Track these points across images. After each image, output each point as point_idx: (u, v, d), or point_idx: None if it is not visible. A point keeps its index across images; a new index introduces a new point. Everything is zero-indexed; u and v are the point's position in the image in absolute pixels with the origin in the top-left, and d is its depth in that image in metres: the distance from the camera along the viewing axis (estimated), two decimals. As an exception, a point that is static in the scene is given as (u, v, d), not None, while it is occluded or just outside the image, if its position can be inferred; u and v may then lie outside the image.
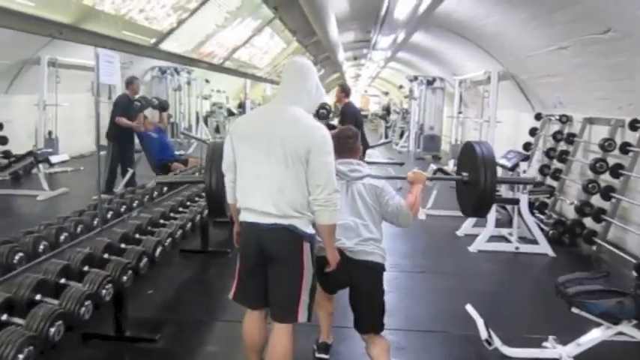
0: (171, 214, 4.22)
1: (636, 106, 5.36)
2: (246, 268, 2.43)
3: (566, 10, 5.32)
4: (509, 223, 5.80)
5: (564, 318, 2.93)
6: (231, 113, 13.30)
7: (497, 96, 8.72)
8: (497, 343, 2.99)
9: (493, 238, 5.50)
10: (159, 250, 3.38)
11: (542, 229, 5.61)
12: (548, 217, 6.40)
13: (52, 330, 2.21)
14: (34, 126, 8.30)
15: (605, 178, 5.59)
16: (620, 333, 2.78)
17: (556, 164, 6.98)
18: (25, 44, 7.39)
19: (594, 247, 5.46)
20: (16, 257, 2.83)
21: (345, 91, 6.70)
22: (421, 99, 14.10)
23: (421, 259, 5.23)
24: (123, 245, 3.27)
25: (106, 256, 3.04)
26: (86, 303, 2.45)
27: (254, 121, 2.46)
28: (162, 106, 7.57)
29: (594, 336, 2.85)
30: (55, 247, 3.18)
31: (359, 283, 2.61)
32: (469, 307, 3.23)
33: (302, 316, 2.34)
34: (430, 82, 14.00)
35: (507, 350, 3.00)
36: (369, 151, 7.06)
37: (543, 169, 7.15)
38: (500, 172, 5.79)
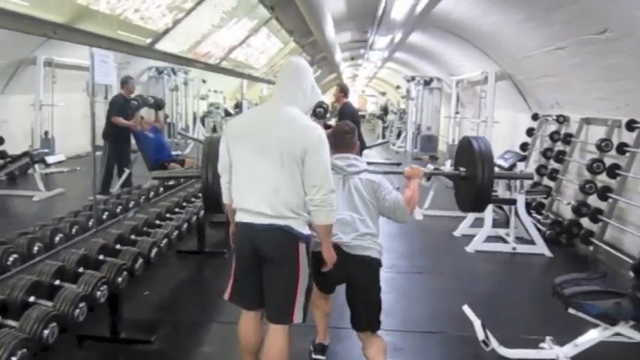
0: (167, 215, 4.20)
1: (633, 106, 5.36)
2: (241, 268, 2.42)
3: (563, 10, 5.31)
4: (506, 224, 5.80)
5: (561, 319, 2.93)
6: (228, 113, 13.27)
7: (495, 96, 8.73)
8: (494, 344, 2.98)
9: (490, 239, 5.50)
10: (154, 251, 3.37)
11: (539, 230, 5.61)
12: (545, 218, 6.40)
13: (46, 332, 2.19)
14: (30, 126, 8.27)
15: (602, 179, 5.60)
16: (618, 334, 2.78)
17: (553, 164, 6.98)
18: (21, 44, 7.36)
19: (591, 248, 5.47)
20: (11, 258, 2.81)
21: (343, 91, 6.70)
22: (418, 99, 14.10)
23: (418, 259, 5.22)
24: (118, 246, 3.25)
25: (101, 257, 3.02)
26: (80, 305, 2.43)
27: (249, 122, 2.45)
28: (158, 105, 7.54)
29: (591, 337, 2.85)
30: (50, 248, 3.16)
31: (355, 278, 2.60)
32: (466, 308, 3.22)
33: (297, 316, 2.33)
34: (427, 83, 14.00)
35: (504, 351, 2.99)
36: (366, 152, 7.03)
37: (540, 170, 7.14)
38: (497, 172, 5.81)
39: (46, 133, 8.51)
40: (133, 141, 6.69)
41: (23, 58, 7.90)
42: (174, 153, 7.72)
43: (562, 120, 7.00)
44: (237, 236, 2.43)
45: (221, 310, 3.65)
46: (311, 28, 6.81)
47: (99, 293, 2.63)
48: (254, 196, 2.29)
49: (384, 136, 17.91)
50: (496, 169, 5.58)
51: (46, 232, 3.25)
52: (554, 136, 7.04)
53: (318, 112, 6.89)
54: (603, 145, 5.59)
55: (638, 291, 2.75)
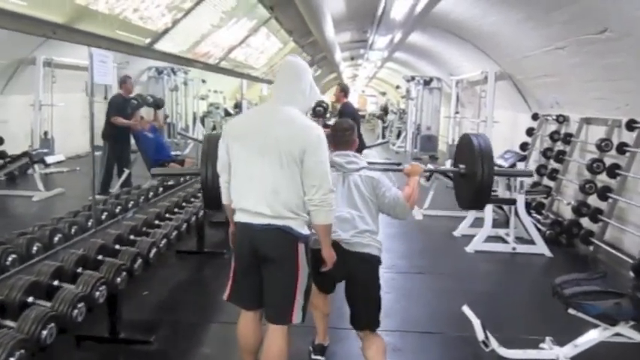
0: (167, 215, 4.20)
1: (633, 106, 5.35)
2: (240, 268, 2.42)
3: (563, 10, 5.31)
4: (506, 224, 5.79)
5: (561, 319, 2.92)
6: (227, 113, 13.25)
7: (494, 96, 8.72)
8: (494, 344, 2.98)
9: (490, 239, 5.50)
10: (153, 251, 3.36)
11: (539, 230, 5.60)
12: (545, 218, 6.39)
13: (44, 333, 2.19)
14: (30, 126, 8.25)
15: (602, 179, 5.59)
16: (618, 334, 2.77)
17: (553, 164, 6.98)
18: (21, 44, 7.34)
19: (591, 248, 5.46)
20: (9, 259, 2.81)
21: (344, 90, 6.70)
22: (418, 99, 14.09)
23: (418, 259, 5.22)
24: (117, 246, 3.25)
25: (100, 257, 3.02)
26: (79, 305, 2.42)
27: (248, 122, 2.44)
28: (157, 104, 7.50)
29: (591, 337, 2.84)
30: (49, 248, 3.15)
31: (355, 276, 2.60)
32: (466, 309, 3.22)
33: (296, 317, 2.33)
34: (427, 83, 13.99)
35: (504, 351, 2.99)
36: (366, 152, 7.04)
37: (540, 170, 7.14)
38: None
39: (46, 133, 8.49)
40: (132, 141, 6.67)
41: (23, 58, 7.87)
42: (173, 153, 7.71)
43: (562, 120, 6.99)
44: (237, 236, 2.42)
45: (220, 310, 3.65)
46: (310, 28, 6.80)
47: (97, 294, 2.63)
48: (253, 196, 2.28)
49: (383, 136, 17.91)
50: (496, 162, 5.62)
51: (45, 232, 3.25)
52: (554, 136, 7.04)
53: (318, 111, 6.89)
54: (603, 145, 5.58)
55: (638, 291, 2.74)
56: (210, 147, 2.73)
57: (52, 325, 2.24)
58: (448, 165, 6.66)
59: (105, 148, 6.34)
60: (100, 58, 3.68)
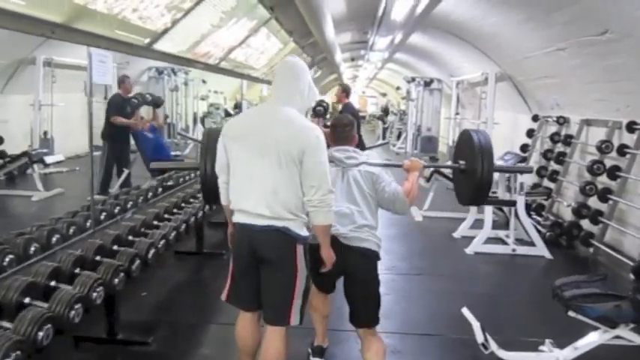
0: (166, 216, 4.19)
1: (634, 107, 5.34)
2: (238, 269, 2.41)
3: (563, 11, 5.30)
4: (505, 225, 5.78)
5: (561, 321, 2.91)
6: (228, 114, 13.26)
7: (495, 97, 8.70)
8: (493, 346, 2.96)
9: (490, 240, 5.49)
10: (152, 252, 3.35)
11: (539, 231, 5.59)
12: (545, 219, 6.38)
13: (41, 334, 2.17)
14: (30, 126, 8.24)
15: (603, 180, 5.57)
16: (618, 337, 2.75)
17: (553, 166, 6.96)
18: (21, 44, 7.34)
19: (591, 250, 5.45)
20: (7, 259, 2.80)
21: (345, 91, 6.70)
22: (418, 100, 14.07)
23: (418, 261, 5.20)
24: (115, 247, 3.23)
25: (97, 258, 3.00)
26: (76, 306, 2.41)
27: (247, 122, 2.43)
28: (156, 103, 7.46)
29: (591, 340, 2.82)
30: (47, 248, 3.14)
31: (353, 271, 2.59)
32: (465, 311, 3.20)
33: (294, 318, 2.32)
34: (427, 84, 13.97)
35: (503, 354, 2.97)
36: (366, 153, 7.03)
37: (540, 171, 7.13)
38: (497, 173, 5.79)
39: (45, 133, 8.48)
40: (132, 141, 6.66)
41: (23, 58, 7.87)
42: (173, 153, 7.72)
43: (562, 121, 6.98)
44: (235, 237, 2.41)
45: (219, 311, 3.64)
46: (311, 29, 6.80)
47: (95, 294, 2.61)
48: (252, 197, 2.27)
49: (384, 137, 17.90)
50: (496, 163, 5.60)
51: (43, 232, 3.24)
52: (554, 138, 7.02)
53: (318, 111, 6.87)
54: (604, 147, 5.56)
55: (639, 293, 2.73)
56: (209, 141, 2.71)
57: (49, 326, 2.22)
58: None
59: (104, 148, 6.34)
60: (99, 58, 3.66)
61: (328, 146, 2.42)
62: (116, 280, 2.86)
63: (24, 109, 8.17)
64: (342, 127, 2.83)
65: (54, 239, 3.26)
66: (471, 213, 5.95)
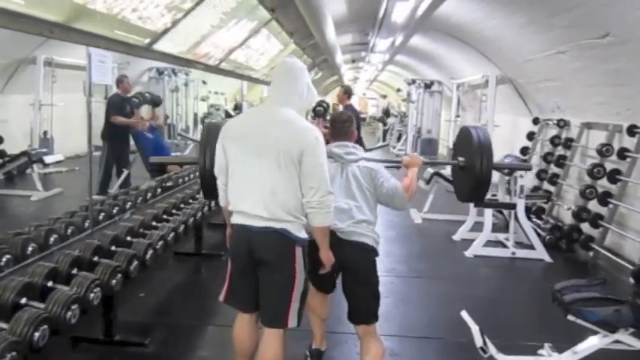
0: (165, 217, 4.17)
1: (634, 111, 5.33)
2: (236, 270, 2.40)
3: (564, 14, 5.29)
4: (505, 228, 5.76)
5: (560, 325, 2.90)
6: (228, 115, 13.26)
7: (495, 100, 8.69)
8: (492, 350, 2.94)
9: (489, 243, 5.47)
10: (150, 253, 3.33)
11: (538, 235, 5.58)
12: (545, 223, 6.37)
13: (37, 335, 2.16)
14: (30, 126, 8.24)
15: (603, 184, 5.56)
16: (617, 341, 2.74)
17: (553, 169, 6.95)
18: (21, 44, 7.34)
19: (591, 253, 5.43)
20: (3, 259, 2.79)
21: (347, 92, 6.71)
22: (419, 102, 14.07)
23: (417, 263, 5.19)
24: (113, 248, 3.21)
25: (95, 259, 2.99)
26: (73, 307, 2.39)
27: (245, 123, 2.42)
28: (155, 101, 7.44)
29: (591, 344, 2.81)
30: (44, 249, 3.13)
31: (351, 266, 2.58)
32: (464, 314, 3.18)
33: (292, 321, 2.30)
34: (428, 86, 13.96)
35: (502, 358, 2.95)
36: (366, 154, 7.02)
37: (540, 174, 7.12)
38: (497, 176, 5.78)
39: (45, 132, 8.48)
40: (132, 142, 6.65)
41: (23, 58, 7.87)
42: (173, 154, 7.70)
43: (563, 124, 6.97)
44: (233, 238, 2.40)
45: (217, 313, 3.62)
46: (312, 30, 6.79)
47: (92, 295, 2.60)
48: (250, 198, 2.26)
49: (384, 139, 17.88)
50: (495, 172, 5.58)
51: (40, 232, 3.23)
52: (554, 141, 7.01)
53: (318, 111, 6.85)
54: (604, 150, 5.56)
55: (638, 298, 2.71)
56: (209, 136, 2.70)
57: (45, 327, 2.21)
58: (448, 169, 6.65)
59: (104, 148, 6.33)
60: (99, 58, 3.65)
61: (328, 142, 2.41)
62: (113, 281, 2.84)
63: (24, 108, 8.17)
64: (342, 122, 2.84)
65: (52, 239, 3.25)
66: (470, 216, 5.94)
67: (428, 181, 6.66)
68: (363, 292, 2.60)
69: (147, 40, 3.85)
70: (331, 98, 16.43)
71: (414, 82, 14.26)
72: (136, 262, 3.12)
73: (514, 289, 4.66)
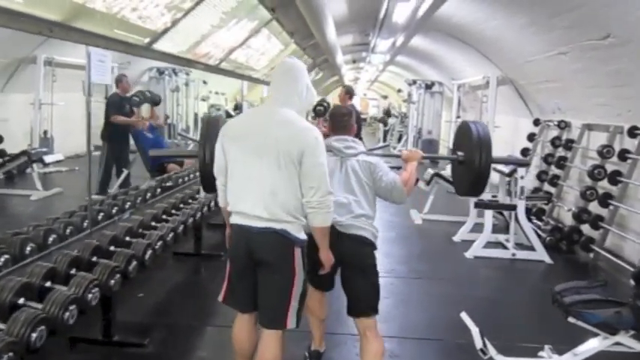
0: (164, 217, 4.16)
1: (635, 112, 5.32)
2: (235, 270, 2.39)
3: (566, 15, 5.28)
4: (505, 229, 5.75)
5: (561, 327, 2.88)
6: (229, 115, 13.25)
7: (496, 101, 8.69)
8: (492, 352, 2.93)
9: (490, 244, 5.45)
10: (149, 253, 3.32)
11: (539, 236, 5.57)
12: (546, 224, 6.35)
13: (34, 335, 2.15)
14: (30, 125, 8.23)
15: (603, 185, 5.55)
16: (618, 343, 2.73)
17: (554, 170, 6.94)
18: (22, 43, 7.34)
19: (591, 255, 5.42)
20: (2, 259, 2.78)
21: (349, 92, 6.70)
22: (420, 103, 14.07)
23: (417, 264, 5.17)
24: (112, 248, 3.21)
25: (94, 259, 2.98)
26: (71, 307, 2.38)
27: (245, 124, 2.41)
28: (154, 100, 7.41)
29: (591, 346, 2.80)
30: (43, 249, 3.12)
31: (350, 260, 2.58)
32: (464, 315, 3.17)
33: (291, 322, 2.29)
34: (429, 86, 13.97)
35: (502, 359, 2.94)
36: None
37: (541, 175, 7.11)
38: (497, 177, 5.78)
39: (45, 132, 8.47)
40: (132, 141, 6.64)
41: (23, 57, 7.87)
42: (173, 154, 7.67)
43: (563, 126, 6.96)
44: (232, 238, 2.39)
45: (216, 313, 3.62)
46: (312, 31, 6.78)
47: (90, 296, 2.59)
48: (250, 198, 2.25)
49: (385, 140, 17.87)
50: (497, 167, 5.56)
51: (39, 232, 3.22)
52: (555, 142, 7.00)
53: (319, 111, 6.84)
54: (605, 152, 5.55)
55: (639, 300, 2.70)
56: (209, 129, 2.70)
57: (43, 327, 2.19)
58: (448, 169, 6.64)
59: (104, 148, 6.32)
60: (98, 58, 3.65)
61: (326, 137, 2.41)
62: (112, 282, 2.83)
63: (24, 108, 8.16)
64: (341, 116, 2.85)
65: (50, 239, 3.24)
66: (470, 217, 5.93)
67: (428, 182, 6.65)
68: (362, 284, 2.60)
69: (147, 40, 3.84)
70: (332, 98, 16.42)
71: (414, 82, 14.27)
72: (134, 263, 3.12)
73: (514, 290, 4.65)
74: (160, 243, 3.55)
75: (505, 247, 5.49)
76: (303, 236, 2.31)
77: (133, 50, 3.93)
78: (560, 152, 6.90)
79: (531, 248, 5.35)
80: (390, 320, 3.63)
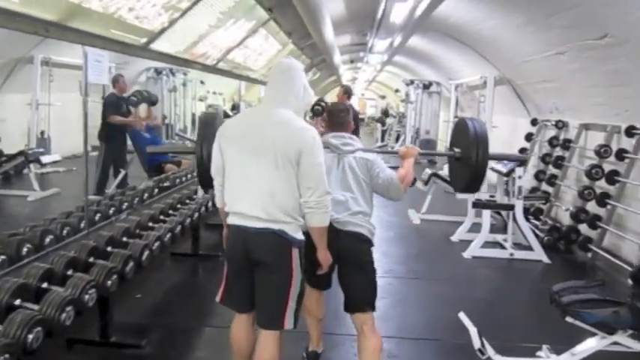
0: (161, 217, 4.15)
1: (632, 112, 5.32)
2: (232, 270, 2.39)
3: (563, 15, 5.28)
4: (503, 229, 5.75)
5: (559, 327, 2.88)
6: (226, 115, 13.22)
7: (493, 101, 8.70)
8: (490, 352, 2.93)
9: (487, 244, 5.46)
10: (146, 253, 3.31)
11: (537, 236, 5.56)
12: (543, 224, 6.35)
13: (30, 337, 2.14)
14: (27, 125, 8.21)
15: (601, 185, 5.55)
16: (616, 343, 2.73)
17: (552, 170, 6.95)
18: (19, 43, 7.31)
19: (589, 254, 5.42)
20: (-2, 260, 2.77)
21: (347, 92, 6.70)
22: (417, 103, 14.08)
23: (415, 264, 5.17)
24: (109, 248, 3.19)
25: (91, 259, 2.96)
26: (67, 309, 2.37)
27: (242, 124, 2.40)
28: (151, 100, 7.39)
29: (589, 346, 2.80)
30: (40, 249, 3.11)
31: (347, 256, 2.58)
32: (462, 315, 3.17)
33: (288, 322, 2.29)
34: (426, 86, 13.97)
35: (500, 359, 2.94)
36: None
37: (539, 175, 7.11)
38: (495, 177, 5.78)
39: (43, 132, 8.45)
40: (129, 142, 6.63)
41: (20, 57, 7.84)
42: (171, 155, 7.65)
43: (561, 125, 6.97)
44: (229, 239, 2.39)
45: (214, 314, 3.61)
46: (310, 31, 6.78)
47: (87, 297, 2.58)
48: (248, 198, 2.25)
49: (382, 140, 17.85)
50: (495, 167, 5.56)
51: (36, 233, 3.21)
52: (553, 142, 7.00)
53: (317, 110, 6.84)
54: (602, 151, 5.55)
55: (637, 299, 2.70)
56: (206, 126, 2.70)
57: (39, 329, 2.18)
58: (446, 169, 6.64)
59: (101, 148, 6.30)
60: (95, 58, 3.63)
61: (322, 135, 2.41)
62: (109, 282, 2.82)
63: (21, 108, 8.13)
64: (338, 112, 2.87)
65: (47, 240, 3.22)
66: (468, 217, 5.93)
67: (426, 182, 6.66)
68: (359, 281, 2.60)
69: (143, 40, 3.83)
70: (330, 98, 16.41)
71: (412, 82, 14.27)
72: (131, 263, 3.10)
73: (512, 290, 4.65)
74: (157, 243, 3.54)
75: (503, 247, 5.49)
76: (300, 236, 2.31)
77: (130, 50, 3.92)
78: (558, 152, 6.91)
79: (529, 248, 5.35)
80: (388, 320, 3.63)
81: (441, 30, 8.64)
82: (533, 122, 7.80)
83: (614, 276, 4.86)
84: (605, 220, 5.41)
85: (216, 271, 4.34)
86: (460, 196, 6.00)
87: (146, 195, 4.91)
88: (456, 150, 3.16)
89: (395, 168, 2.91)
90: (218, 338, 3.25)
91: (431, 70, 13.38)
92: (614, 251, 5.29)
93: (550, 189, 6.85)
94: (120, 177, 6.31)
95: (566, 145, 6.68)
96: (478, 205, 5.62)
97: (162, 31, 3.86)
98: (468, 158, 3.00)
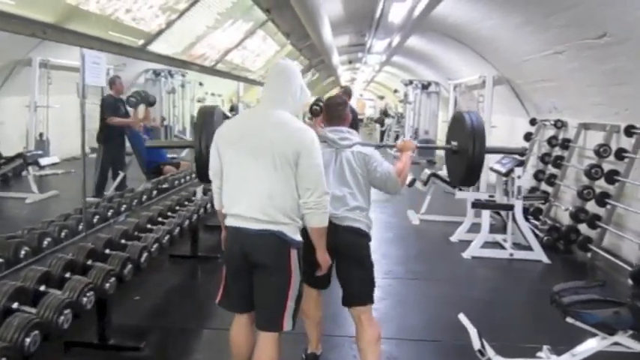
0: (160, 219, 4.14)
1: (632, 111, 5.32)
2: (230, 272, 2.39)
3: (561, 14, 5.28)
4: (503, 229, 5.74)
5: (559, 327, 2.87)
6: (225, 116, 13.22)
7: (492, 101, 8.68)
8: (490, 353, 2.92)
9: (487, 244, 5.45)
10: (144, 256, 3.30)
11: (536, 236, 5.56)
12: (543, 223, 6.35)
13: (28, 340, 2.12)
14: (26, 128, 8.19)
15: (601, 184, 5.55)
16: (616, 343, 2.72)
17: (551, 170, 6.94)
18: (17, 45, 7.30)
19: (589, 254, 5.41)
20: (-4, 263, 2.75)
21: (347, 93, 6.69)
22: (416, 103, 14.08)
23: (414, 265, 5.15)
24: (107, 251, 3.18)
25: (89, 262, 2.95)
26: (65, 312, 2.36)
27: (240, 126, 2.40)
28: (149, 101, 7.36)
29: (589, 346, 2.79)
30: (37, 252, 3.09)
31: (345, 251, 2.58)
32: (462, 316, 3.16)
33: (287, 324, 2.28)
34: (425, 87, 13.98)
35: (500, 360, 2.93)
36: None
37: (538, 175, 7.11)
38: (494, 177, 5.77)
39: (41, 134, 8.43)
40: (127, 144, 6.61)
41: (19, 60, 7.83)
42: (169, 155, 7.64)
43: (560, 125, 6.96)
44: (228, 241, 2.38)
45: (213, 316, 3.59)
46: (308, 31, 6.77)
47: (85, 299, 2.56)
48: (246, 200, 2.24)
49: (381, 140, 17.84)
50: (494, 167, 5.55)
51: (33, 235, 3.19)
52: (552, 141, 7.00)
53: (315, 110, 6.83)
54: (601, 151, 5.54)
55: (637, 300, 2.69)
56: (204, 120, 2.69)
57: (36, 332, 2.17)
58: (445, 169, 6.63)
59: (100, 150, 6.29)
60: (93, 60, 3.62)
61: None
62: (107, 285, 2.81)
63: (20, 110, 8.12)
64: (335, 106, 2.86)
65: (45, 243, 3.21)
66: (468, 217, 5.92)
67: (425, 183, 6.65)
68: (357, 275, 2.61)
69: (141, 42, 3.82)
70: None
71: (411, 83, 14.28)
72: (130, 266, 3.09)
73: (512, 290, 4.64)
74: (155, 245, 3.53)
75: (503, 247, 5.48)
76: (299, 238, 2.31)
77: (128, 52, 3.91)
78: (557, 151, 6.91)
79: (529, 248, 5.34)
80: (388, 322, 3.61)
81: (440, 30, 8.64)
82: (532, 122, 7.80)
83: (613, 276, 4.86)
84: (605, 219, 5.40)
85: (215, 272, 4.33)
86: (459, 196, 6.00)
87: (145, 197, 4.89)
88: (453, 143, 3.16)
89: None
90: (217, 340, 3.24)
91: (429, 70, 13.38)
92: (614, 251, 5.29)
93: (549, 189, 6.84)
94: (119, 179, 6.29)
95: (566, 144, 6.68)
96: (477, 205, 5.61)
97: (160, 32, 3.85)
98: (464, 151, 3.01)
